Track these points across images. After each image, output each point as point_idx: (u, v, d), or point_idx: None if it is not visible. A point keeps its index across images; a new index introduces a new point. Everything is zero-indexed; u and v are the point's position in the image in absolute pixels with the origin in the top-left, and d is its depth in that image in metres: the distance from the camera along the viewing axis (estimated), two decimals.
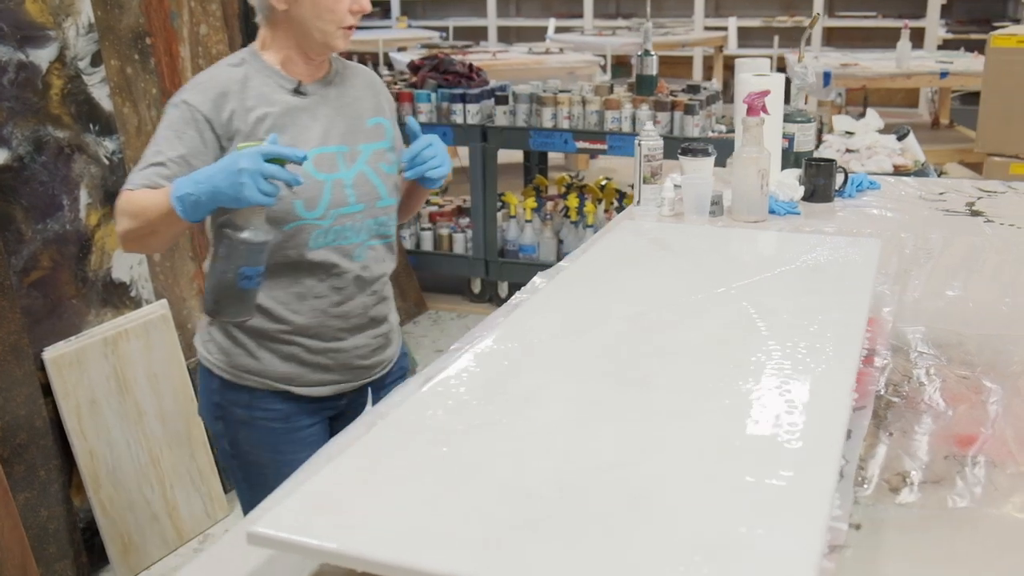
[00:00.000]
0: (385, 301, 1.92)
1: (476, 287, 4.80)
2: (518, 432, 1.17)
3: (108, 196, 2.81)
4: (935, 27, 7.81)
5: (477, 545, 0.94)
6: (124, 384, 2.79)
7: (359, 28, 1.85)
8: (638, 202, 2.42)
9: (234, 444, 1.88)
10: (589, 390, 1.27)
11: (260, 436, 1.86)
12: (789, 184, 2.39)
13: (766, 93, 2.25)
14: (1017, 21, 7.56)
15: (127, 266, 2.89)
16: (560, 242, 4.63)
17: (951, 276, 1.90)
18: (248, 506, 1.96)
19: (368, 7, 1.75)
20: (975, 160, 5.23)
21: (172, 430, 2.90)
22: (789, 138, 2.56)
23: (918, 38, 7.28)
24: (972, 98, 6.70)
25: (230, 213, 1.56)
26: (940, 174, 4.39)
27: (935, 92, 6.67)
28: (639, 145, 2.39)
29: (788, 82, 2.51)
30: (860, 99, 6.07)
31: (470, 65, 4.72)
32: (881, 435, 1.29)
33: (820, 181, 2.43)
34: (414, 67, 4.80)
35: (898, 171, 3.71)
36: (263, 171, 1.50)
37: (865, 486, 1.17)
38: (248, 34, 3.37)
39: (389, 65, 7.16)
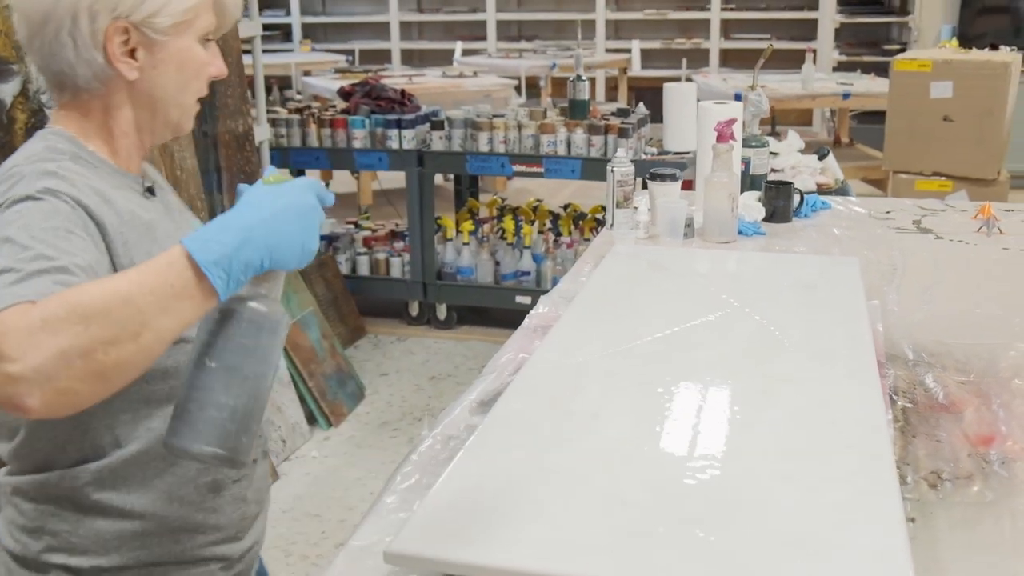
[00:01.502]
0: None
1: (414, 310, 4.85)
2: (598, 445, 1.25)
3: None
4: (829, 49, 8.22)
5: (603, 552, 1.02)
6: None
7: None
8: (611, 226, 2.53)
9: None
10: (648, 404, 1.37)
11: None
12: (753, 206, 2.54)
13: (734, 121, 2.39)
14: (904, 43, 8.01)
15: None
16: (497, 263, 4.72)
17: (921, 290, 2.06)
18: None
19: (225, 71, 1.30)
20: (878, 177, 5.55)
21: None
22: (746, 162, 2.71)
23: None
24: (867, 117, 7.08)
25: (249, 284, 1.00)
26: None
27: (832, 112, 7.02)
28: (612, 171, 2.50)
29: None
30: (767, 120, 6.34)
31: (402, 91, 4.79)
32: (908, 438, 1.42)
33: (780, 202, 2.58)
34: (345, 94, 4.84)
35: (821, 189, 3.93)
36: (321, 215, 1.03)
37: (908, 484, 1.30)
38: None
39: (297, 91, 7.11)
